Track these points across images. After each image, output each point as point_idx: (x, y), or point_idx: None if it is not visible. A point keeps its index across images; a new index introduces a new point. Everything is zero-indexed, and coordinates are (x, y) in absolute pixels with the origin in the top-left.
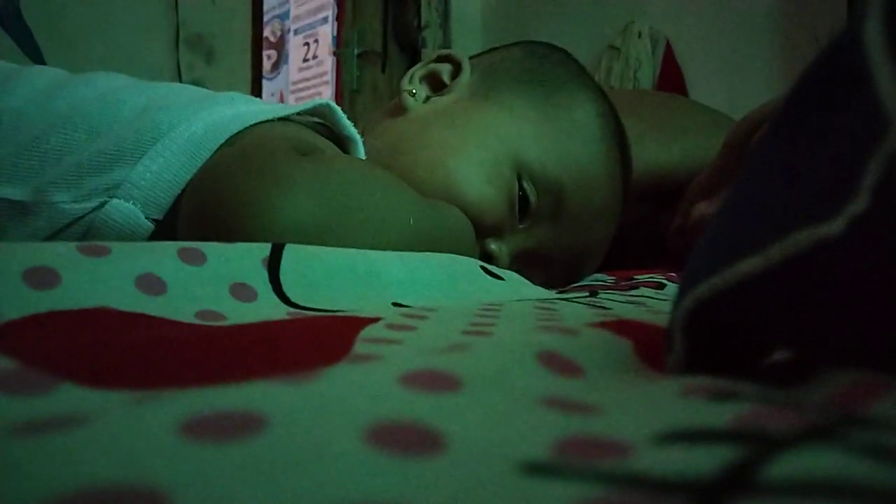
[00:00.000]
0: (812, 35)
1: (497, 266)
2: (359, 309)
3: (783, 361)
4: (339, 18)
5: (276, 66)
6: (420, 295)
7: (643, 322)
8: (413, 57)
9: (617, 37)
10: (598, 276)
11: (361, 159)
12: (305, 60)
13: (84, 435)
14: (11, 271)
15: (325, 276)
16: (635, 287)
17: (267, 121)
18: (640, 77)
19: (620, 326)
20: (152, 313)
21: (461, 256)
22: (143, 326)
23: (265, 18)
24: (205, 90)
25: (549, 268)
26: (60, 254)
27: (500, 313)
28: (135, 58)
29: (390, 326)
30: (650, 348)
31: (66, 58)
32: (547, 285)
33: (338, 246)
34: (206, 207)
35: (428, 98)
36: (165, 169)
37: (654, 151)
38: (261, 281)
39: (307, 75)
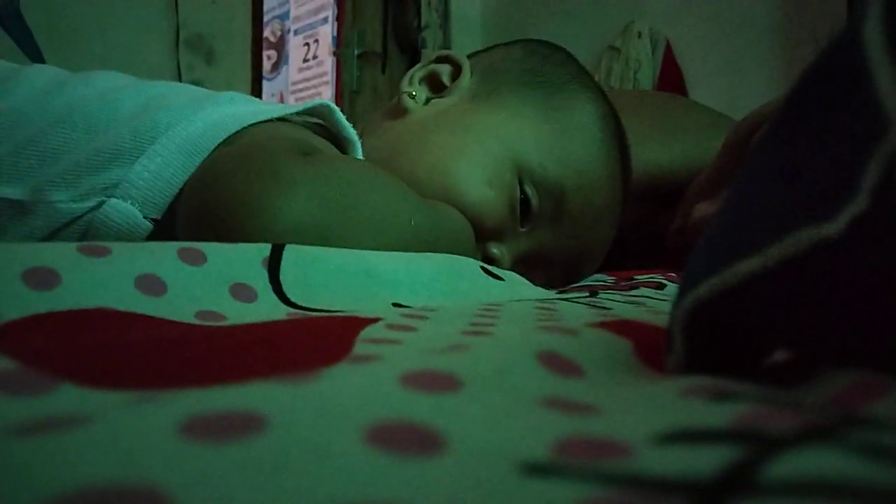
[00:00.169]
0: (812, 35)
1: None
2: (359, 309)
3: (783, 361)
4: (339, 19)
5: (276, 67)
6: (420, 295)
7: (643, 322)
8: (413, 57)
9: (617, 37)
10: (598, 276)
11: (361, 160)
12: (305, 61)
13: (84, 435)
14: (11, 271)
15: (325, 277)
16: (635, 287)
17: (266, 121)
18: (640, 77)
19: (620, 326)
20: (152, 313)
21: (461, 257)
22: (143, 327)
23: (265, 19)
24: (204, 90)
25: (550, 269)
26: (60, 254)
27: (499, 313)
28: (135, 58)
29: (390, 327)
30: (650, 348)
31: (66, 58)
32: (547, 286)
33: (338, 247)
34: (205, 207)
35: (428, 100)
36: (163, 168)
37: (654, 152)
38: (261, 281)
39: (307, 76)
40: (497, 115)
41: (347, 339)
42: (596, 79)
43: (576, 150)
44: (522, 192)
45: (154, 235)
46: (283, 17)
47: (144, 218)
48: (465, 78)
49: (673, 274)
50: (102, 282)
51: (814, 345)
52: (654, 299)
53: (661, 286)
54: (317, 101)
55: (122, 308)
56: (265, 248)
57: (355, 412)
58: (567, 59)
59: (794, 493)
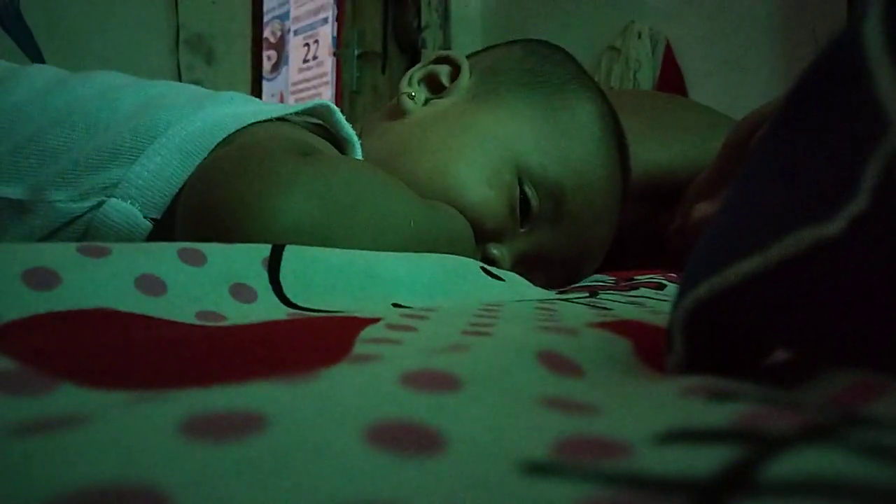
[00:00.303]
0: (812, 35)
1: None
2: (359, 309)
3: (783, 361)
4: (338, 19)
5: (276, 67)
6: (420, 295)
7: (643, 322)
8: (413, 58)
9: (617, 37)
10: (598, 276)
11: (361, 160)
12: (305, 61)
13: (84, 435)
14: (11, 272)
15: (325, 277)
16: (635, 287)
17: (265, 120)
18: (640, 78)
19: (620, 326)
20: (152, 314)
21: (461, 257)
22: (143, 327)
23: (265, 19)
24: (204, 90)
25: (550, 269)
26: (60, 254)
27: (500, 313)
28: (135, 58)
29: (390, 327)
30: (650, 348)
31: (66, 58)
32: (547, 286)
33: (337, 247)
34: (205, 207)
35: (427, 100)
36: (163, 167)
37: (653, 151)
38: (261, 282)
39: (307, 76)
40: (496, 116)
41: (347, 339)
42: (596, 79)
43: (575, 150)
44: (522, 192)
45: (154, 235)
46: (283, 17)
47: (144, 217)
48: (465, 78)
49: (673, 274)
50: (102, 282)
51: (814, 345)
52: (654, 299)
53: (661, 286)
54: (316, 101)
55: (122, 308)
56: (265, 249)
57: (355, 412)
58: (566, 59)
59: (793, 493)
